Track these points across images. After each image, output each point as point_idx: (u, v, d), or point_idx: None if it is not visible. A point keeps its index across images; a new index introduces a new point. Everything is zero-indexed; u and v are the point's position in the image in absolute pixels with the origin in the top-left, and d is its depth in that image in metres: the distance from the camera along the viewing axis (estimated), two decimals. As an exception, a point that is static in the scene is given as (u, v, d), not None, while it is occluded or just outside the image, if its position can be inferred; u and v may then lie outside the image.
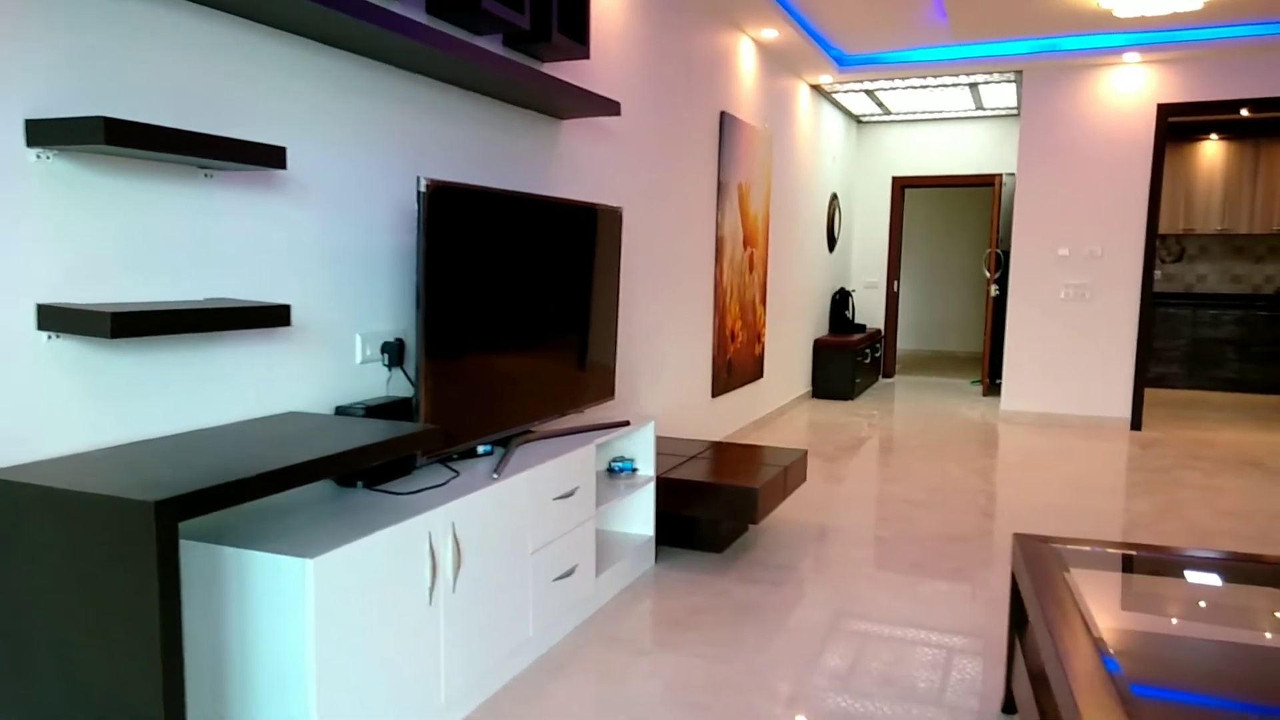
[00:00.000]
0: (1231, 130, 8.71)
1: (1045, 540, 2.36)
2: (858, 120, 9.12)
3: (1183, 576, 2.32)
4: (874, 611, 3.18)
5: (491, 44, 3.09)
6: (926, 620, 3.11)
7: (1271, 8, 5.34)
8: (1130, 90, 6.45)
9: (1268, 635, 2.06)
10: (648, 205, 4.45)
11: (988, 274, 8.27)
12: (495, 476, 2.50)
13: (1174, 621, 2.08)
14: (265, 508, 2.16)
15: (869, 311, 9.37)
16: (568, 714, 2.44)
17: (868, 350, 8.52)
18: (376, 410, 2.44)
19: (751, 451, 4.16)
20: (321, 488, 2.35)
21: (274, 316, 2.05)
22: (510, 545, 2.54)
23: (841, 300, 8.64)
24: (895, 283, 9.30)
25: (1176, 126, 8.70)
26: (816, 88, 7.43)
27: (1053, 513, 4.47)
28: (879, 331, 9.11)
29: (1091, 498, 4.76)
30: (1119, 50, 6.16)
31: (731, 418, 5.95)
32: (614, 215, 3.37)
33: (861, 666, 2.74)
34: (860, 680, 2.66)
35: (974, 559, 3.75)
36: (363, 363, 2.59)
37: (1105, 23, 5.60)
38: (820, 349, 7.97)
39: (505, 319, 2.74)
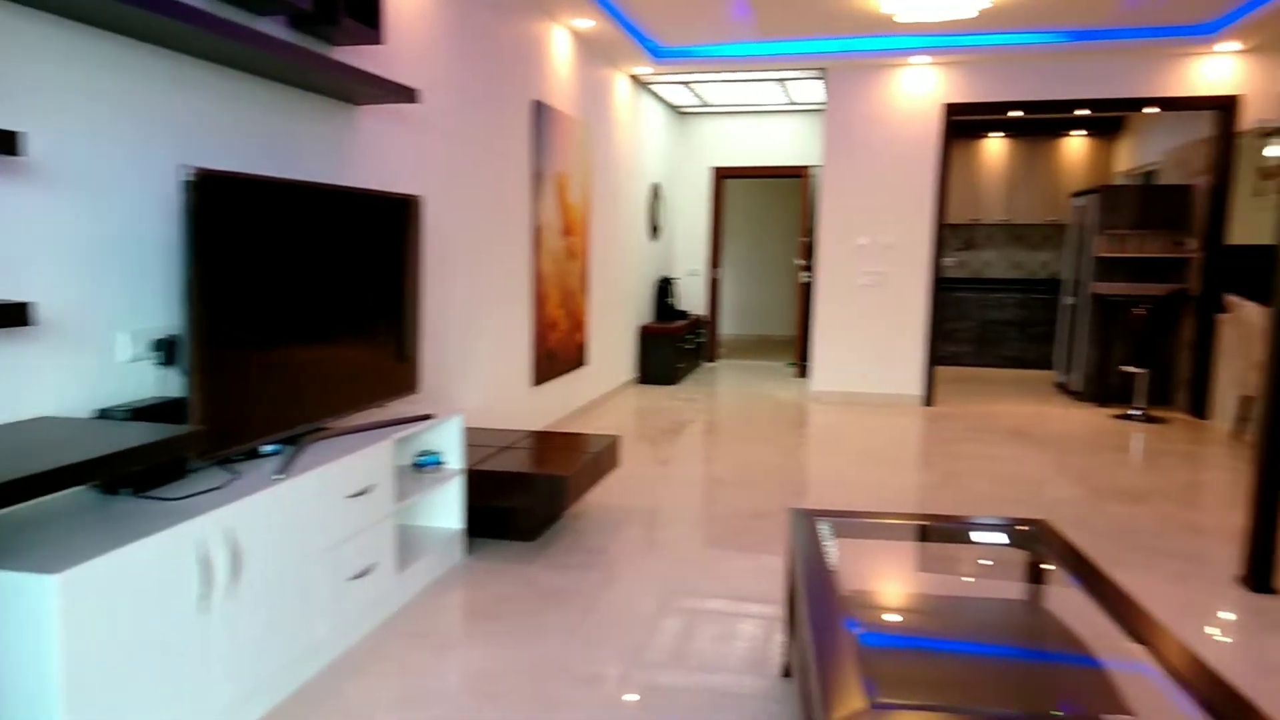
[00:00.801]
0: (1011, 129, 9.55)
1: (815, 513, 2.54)
2: (678, 111, 9.34)
3: (923, 540, 2.56)
4: (677, 589, 3.31)
5: (275, 26, 2.96)
6: (726, 594, 3.27)
7: (1037, 19, 5.89)
8: (920, 90, 6.95)
9: (976, 585, 2.31)
10: (458, 194, 4.40)
11: (799, 262, 8.71)
12: (279, 477, 2.43)
13: (907, 579, 2.29)
14: (19, 521, 2.00)
15: (693, 298, 9.65)
16: (363, 713, 2.42)
17: (691, 336, 8.78)
18: (144, 412, 2.31)
19: (566, 439, 4.22)
20: (84, 497, 2.20)
21: (11, 316, 1.90)
22: (298, 547, 2.47)
23: (665, 288, 8.85)
24: (717, 270, 9.63)
25: (964, 125, 9.44)
26: (635, 79, 7.56)
27: (850, 485, 4.79)
28: (702, 318, 9.40)
29: (884, 470, 5.13)
30: (909, 52, 6.61)
31: (554, 406, 6.00)
32: (412, 204, 3.32)
33: (660, 643, 2.86)
34: (657, 655, 2.77)
35: (775, 534, 3.97)
36: (132, 361, 2.44)
37: (891, 27, 6.01)
38: (645, 336, 8.15)
39: (290, 313, 2.65)
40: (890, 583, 2.32)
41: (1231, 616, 3.12)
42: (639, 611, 3.11)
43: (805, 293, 8.47)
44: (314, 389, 2.78)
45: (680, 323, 8.46)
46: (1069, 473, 5.13)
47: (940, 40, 6.45)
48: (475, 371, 4.70)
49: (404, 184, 3.88)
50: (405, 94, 3.30)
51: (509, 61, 4.96)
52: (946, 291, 9.44)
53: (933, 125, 6.97)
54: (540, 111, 5.39)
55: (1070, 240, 8.18)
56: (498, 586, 3.31)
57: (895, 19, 5.63)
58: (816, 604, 1.83)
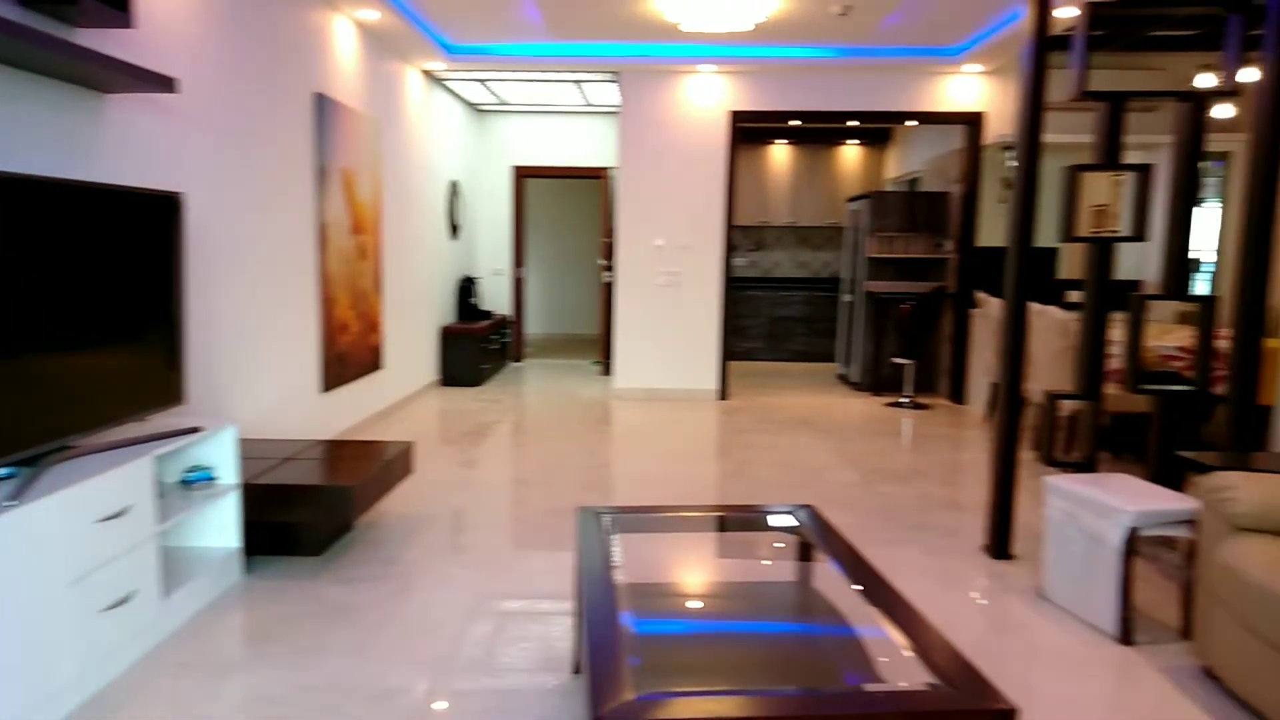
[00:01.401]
0: (794, 136, 10.14)
1: (601, 510, 2.59)
2: (476, 109, 9.22)
3: (703, 530, 2.68)
4: (475, 594, 3.28)
5: (1, 4, 2.66)
6: (526, 595, 3.27)
7: (809, 35, 6.28)
8: (708, 97, 7.24)
9: (751, 570, 2.45)
10: (230, 191, 4.13)
11: (602, 261, 8.84)
12: (7, 504, 2.18)
13: (686, 569, 2.39)
14: None
15: (497, 298, 9.57)
16: (118, 756, 2.22)
17: (496, 336, 8.70)
18: None
19: (356, 447, 4.07)
20: None
21: None
22: (36, 579, 2.24)
23: (468, 288, 8.72)
24: (521, 269, 9.59)
25: (750, 131, 9.92)
26: (429, 74, 7.39)
27: (650, 480, 4.93)
28: (506, 317, 9.34)
29: (682, 463, 5.31)
30: (697, 60, 6.87)
31: (348, 412, 5.76)
32: (171, 202, 3.08)
33: (454, 650, 2.82)
34: (451, 664, 2.73)
35: (571, 532, 4.01)
36: None
37: (678, 35, 6.21)
38: (447, 336, 7.99)
39: (21, 320, 2.39)
40: (670, 573, 2.41)
41: (976, 581, 3.47)
42: (434, 620, 3.05)
43: (608, 292, 8.61)
44: (57, 404, 2.52)
45: (484, 323, 8.36)
46: (846, 458, 5.52)
47: (725, 50, 6.74)
48: (255, 379, 4.43)
49: (165, 180, 3.59)
50: (162, 83, 3.06)
51: (286, 51, 4.71)
52: (739, 290, 9.89)
53: (721, 131, 7.28)
54: (323, 105, 5.15)
55: (847, 242, 8.80)
56: (280, 606, 3.14)
57: (680, 28, 5.83)
58: (594, 599, 1.87)
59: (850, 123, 7.47)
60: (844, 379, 8.65)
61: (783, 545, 2.68)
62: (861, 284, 8.06)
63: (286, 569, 3.48)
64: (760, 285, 10.05)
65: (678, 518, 2.74)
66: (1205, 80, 5.30)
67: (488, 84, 7.88)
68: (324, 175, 5.19)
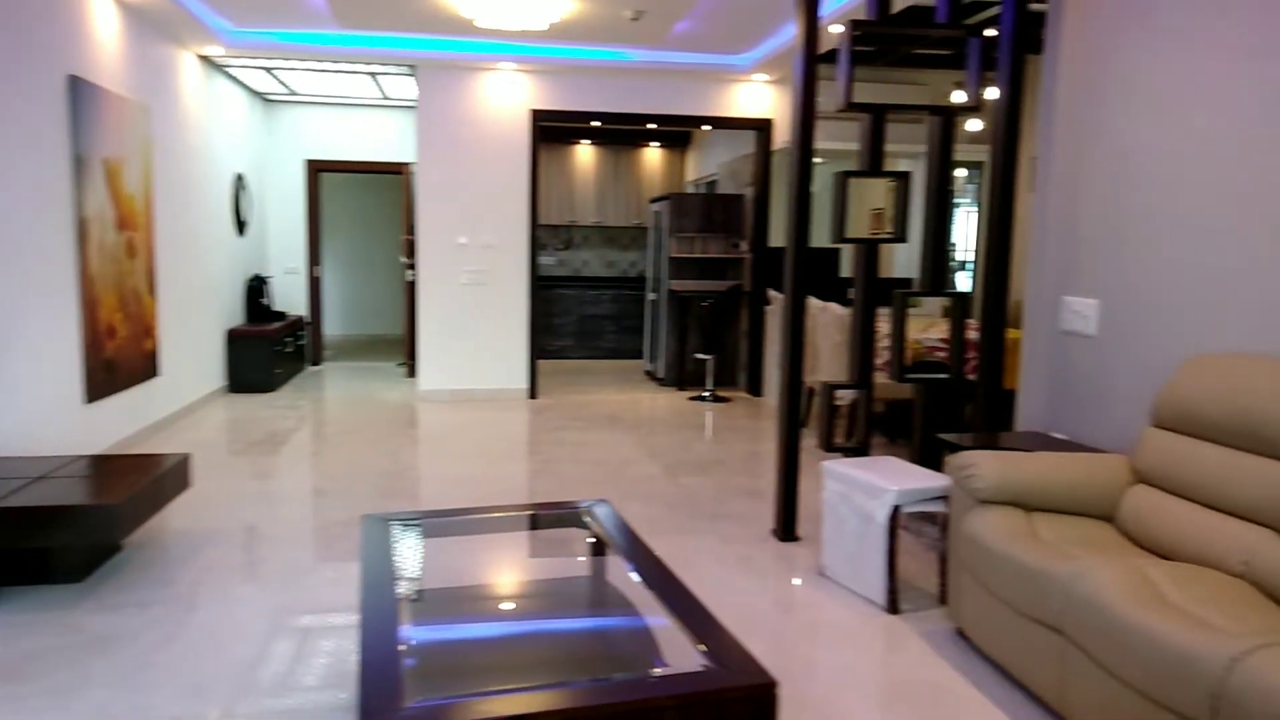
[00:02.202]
0: (599, 137, 10.28)
1: (388, 517, 2.53)
2: (264, 99, 8.70)
3: (497, 531, 2.68)
4: (259, 611, 3.10)
5: None
6: (314, 609, 3.12)
7: (602, 37, 6.39)
8: (509, 95, 7.20)
9: (545, 567, 2.48)
10: (-38, 181, 3.67)
11: (404, 260, 8.59)
12: None
13: (477, 572, 2.38)
14: None
15: (292, 298, 9.08)
16: None
17: (290, 338, 8.25)
18: None
19: (125, 461, 3.74)
20: None
21: None
22: None
23: (258, 287, 8.22)
24: (318, 268, 9.15)
25: (555, 130, 9.97)
26: (207, 60, 6.89)
27: (455, 482, 4.84)
28: (302, 319, 8.88)
29: (489, 464, 5.26)
30: (496, 58, 6.82)
31: (119, 424, 5.28)
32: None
33: (233, 672, 2.66)
34: (226, 689, 2.57)
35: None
36: None
37: (472, 31, 6.14)
38: (235, 339, 7.50)
39: None
40: (461, 577, 2.39)
41: (765, 563, 3.67)
42: (216, 642, 2.86)
43: (412, 291, 8.37)
44: None
45: (277, 324, 7.91)
46: (649, 451, 5.67)
47: (524, 49, 6.73)
48: (2, 391, 3.97)
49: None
50: None
51: (32, 30, 4.25)
52: (549, 289, 9.92)
53: (523, 129, 7.26)
54: (78, 88, 4.69)
55: (651, 242, 9.03)
56: (30, 640, 2.84)
57: (475, 24, 5.77)
58: (372, 609, 1.82)
59: (649, 125, 7.65)
60: (650, 375, 8.87)
61: (577, 542, 2.72)
62: (665, 283, 8.29)
63: (41, 599, 3.15)
64: (570, 284, 10.11)
65: (471, 520, 2.72)
66: (957, 96, 5.85)
67: (275, 73, 7.45)
68: (82, 165, 4.73)
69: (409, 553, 2.41)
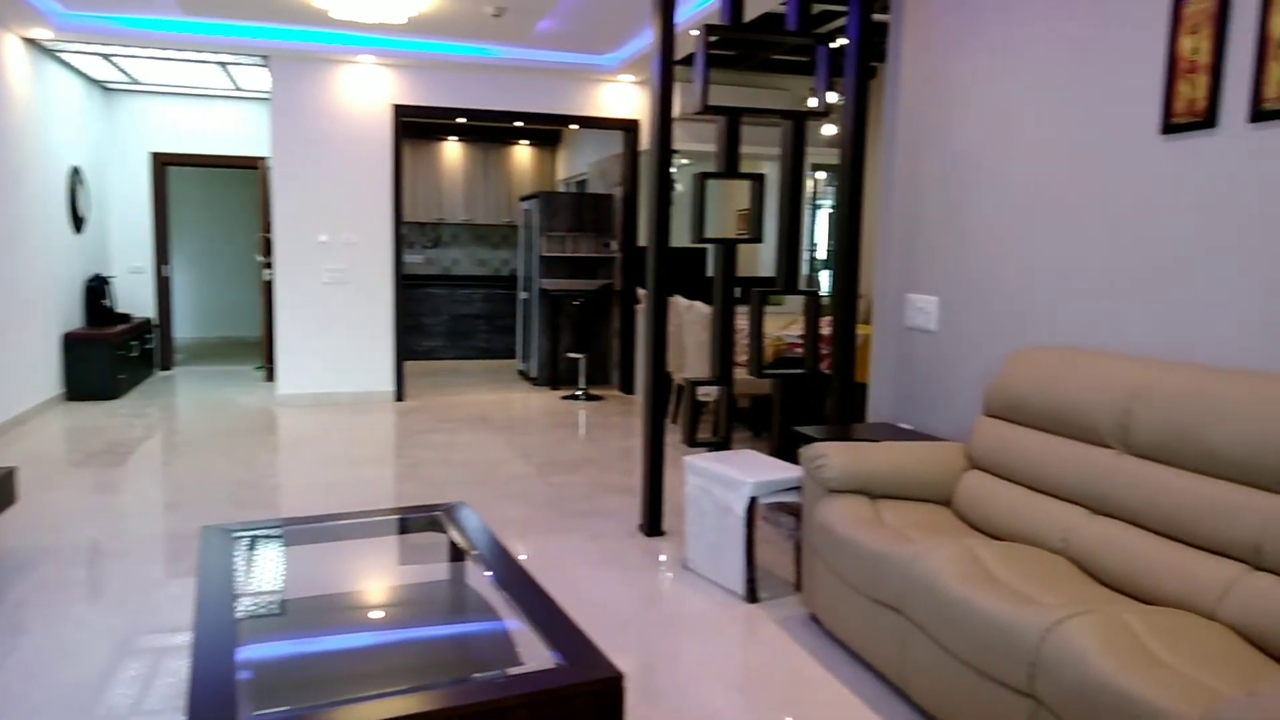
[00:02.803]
0: (467, 134, 10.13)
1: (231, 528, 2.42)
2: (102, 87, 8.15)
3: (349, 538, 2.61)
4: (94, 633, 2.90)
5: None
6: (156, 629, 2.95)
7: (465, 33, 6.30)
8: (371, 89, 7.00)
9: (401, 573, 2.43)
10: None
11: (261, 259, 8.22)
12: None
13: (328, 581, 2.32)
14: None
15: (138, 299, 8.54)
16: None
17: (135, 342, 7.77)
18: None
19: (-66, 480, 3.43)
20: None
21: None
22: None
23: (98, 288, 7.69)
24: (165, 267, 8.64)
25: (422, 126, 9.76)
26: (34, 43, 6.39)
27: (315, 489, 4.67)
28: (150, 321, 8.37)
29: (351, 469, 5.10)
30: (356, 50, 6.61)
31: (-67, 438, 4.84)
32: None
33: (56, 701, 2.48)
34: (56, 714, 2.40)
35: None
36: None
37: (328, 22, 5.94)
38: (73, 344, 7.00)
39: None
40: (308, 588, 2.31)
41: (631, 558, 3.71)
42: (43, 666, 2.66)
43: (269, 291, 8.02)
44: None
45: (121, 327, 7.43)
46: (521, 452, 5.64)
47: (384, 42, 6.56)
48: None
49: None
50: None
51: None
52: (418, 288, 9.70)
53: (385, 124, 7.07)
54: (-120, 71, 4.26)
55: (522, 240, 8.97)
56: None
57: (330, 14, 5.58)
58: (205, 626, 1.74)
59: (517, 124, 7.60)
60: (524, 374, 8.81)
61: (434, 546, 2.68)
62: (536, 281, 8.26)
63: None
64: (440, 283, 9.92)
65: (322, 528, 2.64)
66: (812, 101, 6.09)
67: (114, 60, 6.99)
68: (-116, 156, 4.31)
69: (255, 564, 2.31)
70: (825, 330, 5.59)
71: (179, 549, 3.75)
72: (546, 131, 10.34)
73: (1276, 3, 2.26)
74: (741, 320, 5.87)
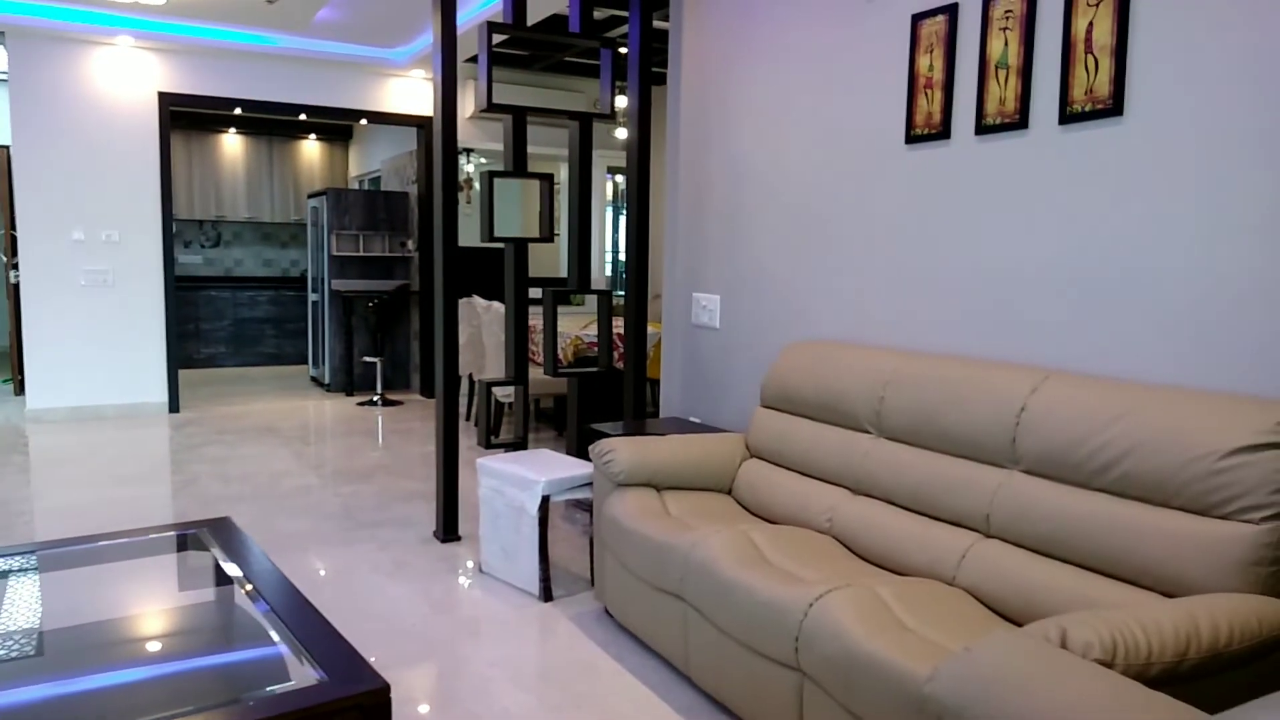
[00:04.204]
0: (249, 127, 9.51)
1: (-53, 564, 2.14)
2: None
3: (97, 563, 2.39)
4: None
5: None
6: None
7: (238, 18, 5.90)
8: (131, 74, 6.42)
9: (156, 599, 2.25)
10: None
11: (4, 259, 7.34)
12: None
13: (77, 613, 2.11)
14: None
15: None
16: None
17: None
18: None
19: None
20: None
21: None
22: None
23: None
24: (-118, 269, 7.52)
25: (198, 117, 9.07)
26: None
27: (71, 513, 4.21)
28: None
29: (116, 489, 4.65)
30: (111, 31, 6.04)
31: None
32: None
33: None
34: None
35: (-56, 592, 3.26)
36: None
37: (84, -1, 5.39)
38: None
39: None
40: (63, 620, 2.09)
41: (424, 565, 3.62)
42: None
43: (17, 295, 7.16)
44: None
45: None
46: (309, 462, 5.36)
47: (144, 24, 6.03)
48: None
49: None
50: None
51: None
52: (196, 290, 9.01)
53: (149, 113, 6.51)
54: None
55: (311, 239, 8.53)
56: None
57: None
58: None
59: (301, 116, 7.22)
60: (316, 381, 8.39)
61: (197, 566, 2.49)
62: (328, 282, 7.88)
63: None
64: (221, 284, 9.26)
65: (76, 551, 2.39)
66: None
67: None
68: None
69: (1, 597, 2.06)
70: (621, 329, 5.70)
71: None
72: (337, 126, 9.90)
73: (993, 29, 2.53)
74: (535, 321, 5.87)
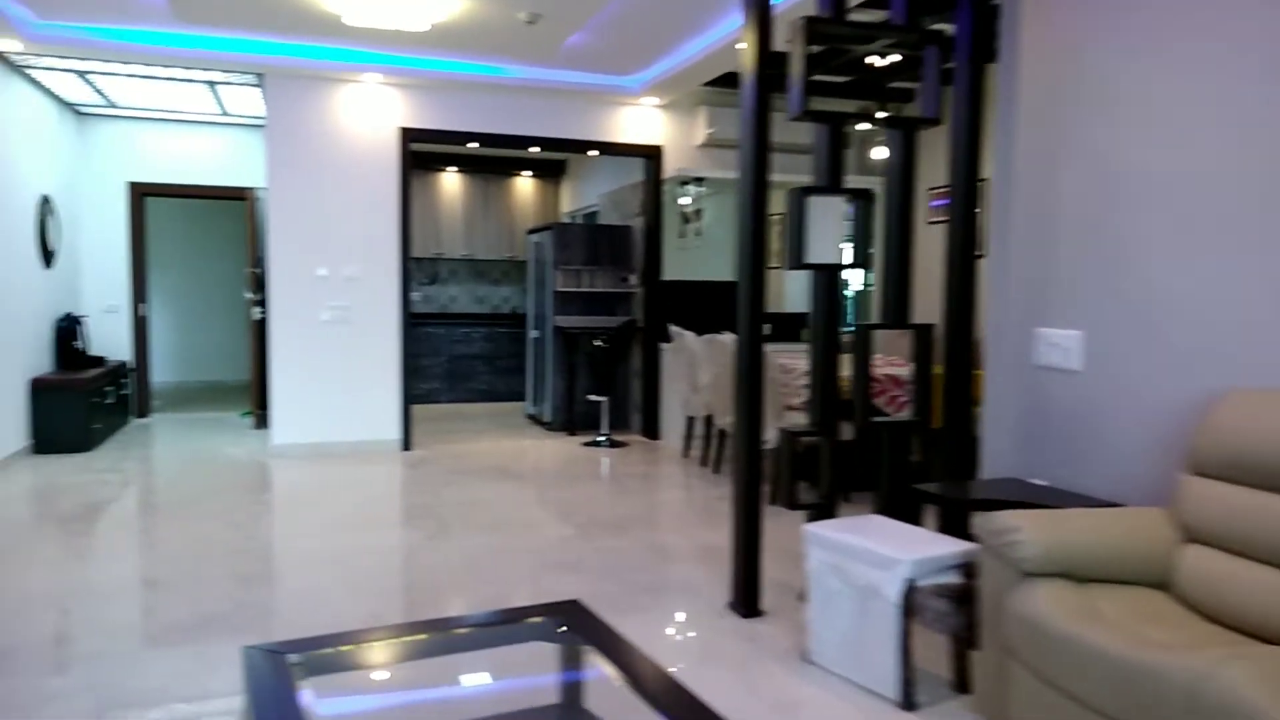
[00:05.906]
0: (467, 165, 9.57)
1: (277, 653, 1.78)
2: (75, 110, 7.50)
3: (431, 655, 1.98)
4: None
5: None
6: (152, 769, 2.28)
7: (486, 46, 5.75)
8: (376, 110, 6.42)
9: (504, 700, 1.81)
10: None
11: (250, 296, 7.56)
12: None
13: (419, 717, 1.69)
14: None
15: (112, 341, 7.81)
16: None
17: (111, 388, 7.05)
18: None
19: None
20: None
21: None
22: None
23: (70, 329, 6.98)
24: (142, 306, 7.93)
25: (420, 156, 9.19)
26: (3, 58, 5.76)
27: (327, 562, 3.99)
28: (125, 364, 7.65)
29: (366, 534, 4.43)
30: (361, 68, 6.05)
31: (-126, 506, 4.12)
32: None
33: None
34: None
35: (228, 655, 3.02)
36: None
37: (337, 30, 5.35)
38: (40, 390, 6.28)
39: None
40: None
41: (734, 647, 3.09)
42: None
43: (261, 331, 7.34)
44: None
45: (95, 372, 6.72)
46: (556, 509, 4.99)
47: (392, 59, 6.00)
48: None
49: None
50: None
51: None
52: (415, 327, 9.06)
53: (391, 149, 6.49)
54: None
55: (531, 276, 8.38)
56: None
57: (344, 20, 5.00)
58: None
59: (531, 149, 7.06)
60: (535, 419, 8.17)
61: (542, 657, 2.05)
62: (550, 319, 7.66)
63: None
64: (438, 321, 9.28)
65: (397, 643, 2.00)
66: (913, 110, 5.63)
67: (90, 78, 6.36)
68: None
69: (316, 699, 1.68)
70: (882, 370, 5.03)
71: (172, 644, 3.05)
72: (551, 162, 9.81)
73: None
74: (789, 359, 5.30)
